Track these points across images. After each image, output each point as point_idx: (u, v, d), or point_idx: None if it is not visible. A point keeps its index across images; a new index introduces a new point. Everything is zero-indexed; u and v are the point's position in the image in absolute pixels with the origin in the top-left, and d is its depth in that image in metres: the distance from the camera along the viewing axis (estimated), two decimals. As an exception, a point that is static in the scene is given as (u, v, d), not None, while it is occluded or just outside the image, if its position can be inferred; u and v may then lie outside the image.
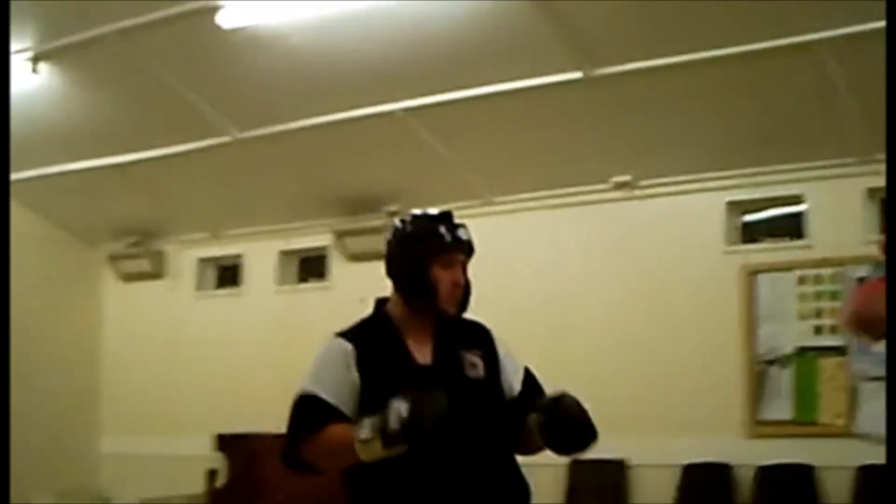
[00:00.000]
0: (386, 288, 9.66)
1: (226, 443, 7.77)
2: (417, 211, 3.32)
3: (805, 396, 7.59)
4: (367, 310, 3.39)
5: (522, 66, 7.26)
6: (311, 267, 10.09)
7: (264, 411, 8.48)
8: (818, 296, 7.63)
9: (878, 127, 7.17)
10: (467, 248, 3.25)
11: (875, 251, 7.29)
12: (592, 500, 8.11)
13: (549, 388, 3.37)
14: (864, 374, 7.41)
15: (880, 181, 7.53)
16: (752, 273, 7.83)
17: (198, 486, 7.91)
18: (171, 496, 8.80)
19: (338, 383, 3.06)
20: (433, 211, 3.30)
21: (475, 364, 3.20)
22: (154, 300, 10.58)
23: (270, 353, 9.47)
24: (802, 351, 7.61)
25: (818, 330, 7.60)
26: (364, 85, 7.69)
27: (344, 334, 3.21)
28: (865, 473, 7.22)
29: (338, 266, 9.67)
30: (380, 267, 9.41)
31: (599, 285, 8.40)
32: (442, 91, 7.64)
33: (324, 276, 9.86)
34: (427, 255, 3.16)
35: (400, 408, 2.74)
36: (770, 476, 7.51)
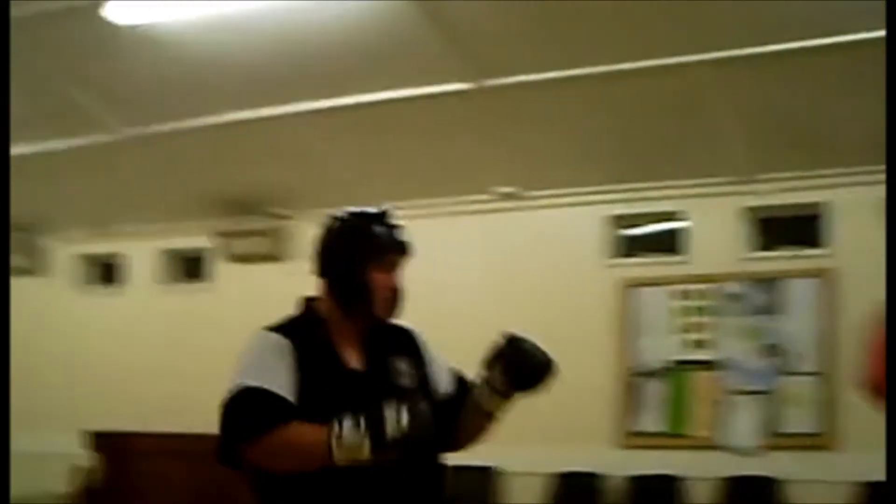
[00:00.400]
0: (266, 291, 9.59)
1: (100, 441, 7.66)
2: (354, 208, 3.13)
3: (677, 409, 7.76)
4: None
5: (412, 73, 7.30)
6: (193, 267, 10.01)
7: (141, 410, 8.47)
8: (692, 311, 7.82)
9: (757, 147, 7.43)
10: (406, 250, 3.12)
11: (747, 268, 7.55)
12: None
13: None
14: (734, 388, 7.62)
15: (756, 200, 7.79)
16: (630, 286, 8.00)
17: (65, 484, 7.80)
18: (37, 495, 8.64)
19: (283, 378, 2.81)
20: (371, 209, 3.12)
21: (404, 372, 3.05)
22: (30, 296, 10.37)
23: (150, 353, 9.37)
24: (675, 364, 7.78)
25: (690, 344, 7.78)
26: (251, 87, 7.65)
27: (277, 329, 2.98)
28: (731, 483, 7.43)
29: (220, 267, 9.60)
30: (262, 270, 9.33)
31: (479, 294, 8.48)
32: (329, 96, 7.65)
33: (206, 278, 9.78)
34: (365, 258, 2.98)
35: (397, 415, 2.64)
36: (640, 486, 7.66)
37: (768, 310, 7.61)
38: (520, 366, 3.04)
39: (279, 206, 9.03)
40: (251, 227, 9.11)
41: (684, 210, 8.00)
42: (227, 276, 9.51)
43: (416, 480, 2.89)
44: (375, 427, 2.64)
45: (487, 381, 3.03)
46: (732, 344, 7.68)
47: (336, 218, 3.10)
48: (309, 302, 3.09)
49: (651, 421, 7.81)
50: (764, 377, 7.56)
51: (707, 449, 7.58)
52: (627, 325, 7.95)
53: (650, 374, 7.86)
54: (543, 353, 3.04)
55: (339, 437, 2.64)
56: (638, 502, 7.66)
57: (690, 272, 7.83)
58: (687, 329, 7.82)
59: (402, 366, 3.06)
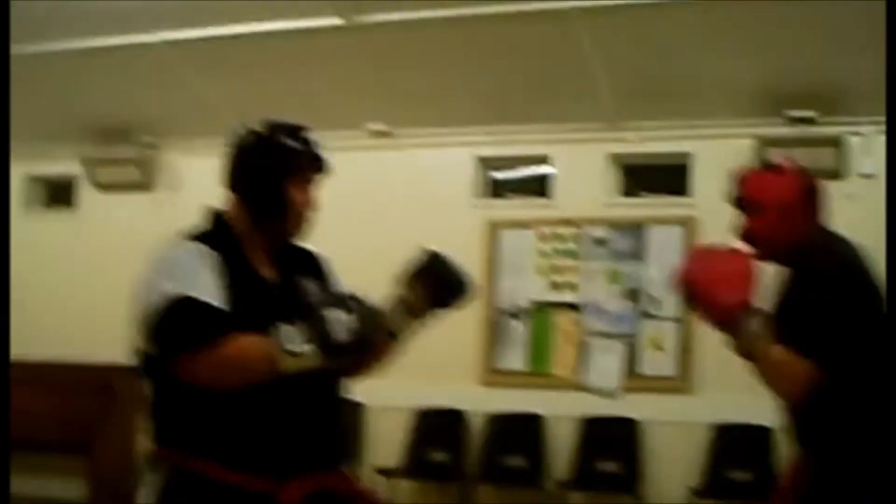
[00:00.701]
0: (134, 221, 9.44)
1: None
2: (271, 120, 2.99)
3: (539, 349, 7.89)
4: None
5: (284, 7, 7.24)
6: (59, 195, 9.81)
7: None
8: (558, 253, 7.94)
9: (625, 96, 7.55)
10: (322, 167, 3.00)
11: (613, 214, 7.69)
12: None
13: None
14: (595, 330, 7.78)
15: (623, 148, 7.92)
16: (496, 227, 8.08)
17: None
18: None
19: (214, 287, 2.67)
20: (288, 122, 2.99)
21: (313, 292, 2.96)
22: None
23: (13, 282, 9.18)
24: (539, 305, 7.91)
25: (555, 286, 7.92)
26: (125, 13, 7.52)
27: (193, 238, 2.82)
28: (591, 423, 7.61)
29: (87, 196, 9.44)
30: (131, 199, 9.19)
31: (347, 231, 8.48)
32: (203, 25, 7.55)
33: (72, 206, 9.60)
34: (283, 173, 2.86)
35: (344, 319, 2.62)
36: (501, 423, 7.80)
37: (631, 255, 7.77)
38: (444, 281, 3.09)
39: (148, 136, 8.91)
40: (120, 155, 8.98)
41: (552, 154, 8.09)
42: (95, 204, 9.35)
43: (315, 407, 2.85)
44: (322, 332, 2.60)
45: (402, 300, 2.98)
46: (596, 287, 7.83)
47: (251, 131, 2.94)
48: (217, 215, 2.92)
49: (514, 360, 7.94)
50: (625, 320, 7.73)
51: (568, 389, 7.74)
52: (493, 266, 8.04)
53: (515, 314, 7.97)
54: (462, 270, 3.11)
55: (281, 347, 2.58)
56: (499, 439, 7.80)
57: (557, 216, 7.95)
58: (552, 271, 7.95)
59: (311, 286, 2.99)
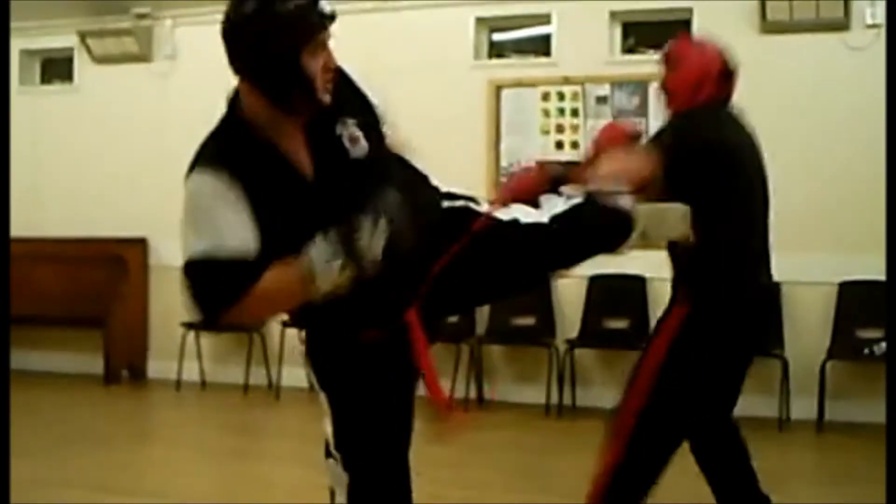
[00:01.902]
0: (132, 93, 9.42)
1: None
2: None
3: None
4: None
5: None
6: (56, 69, 9.75)
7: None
8: (560, 112, 7.92)
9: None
10: (333, 18, 2.64)
11: (614, 71, 7.62)
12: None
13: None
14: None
15: (624, 5, 7.84)
16: (499, 88, 8.05)
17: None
18: None
19: (236, 226, 2.50)
20: None
21: (355, 137, 2.72)
22: None
23: (12, 157, 9.20)
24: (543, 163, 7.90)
25: (559, 144, 7.92)
26: None
27: (208, 162, 2.56)
28: (594, 281, 7.68)
29: (84, 69, 9.38)
30: (128, 71, 9.16)
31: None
32: None
33: (70, 79, 9.54)
34: (295, 44, 2.52)
35: (372, 227, 2.49)
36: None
37: (634, 112, 7.75)
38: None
39: (144, 6, 8.82)
40: (114, 26, 8.89)
41: (553, 12, 8.01)
42: (92, 77, 9.30)
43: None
44: (350, 251, 2.49)
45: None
46: (599, 145, 7.82)
47: (242, 3, 2.54)
48: (233, 108, 2.64)
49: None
50: (629, 178, 7.74)
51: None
52: (496, 126, 8.03)
53: (518, 173, 7.99)
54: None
55: (313, 272, 2.48)
56: (507, 300, 7.89)
57: (559, 74, 7.90)
58: (555, 130, 7.94)
59: (351, 131, 2.73)
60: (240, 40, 2.53)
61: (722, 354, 3.70)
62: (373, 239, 2.49)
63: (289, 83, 2.54)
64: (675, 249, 3.81)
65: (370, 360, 2.81)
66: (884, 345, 6.81)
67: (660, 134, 3.79)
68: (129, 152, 9.11)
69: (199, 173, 2.54)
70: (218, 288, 2.50)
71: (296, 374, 8.32)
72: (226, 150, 2.57)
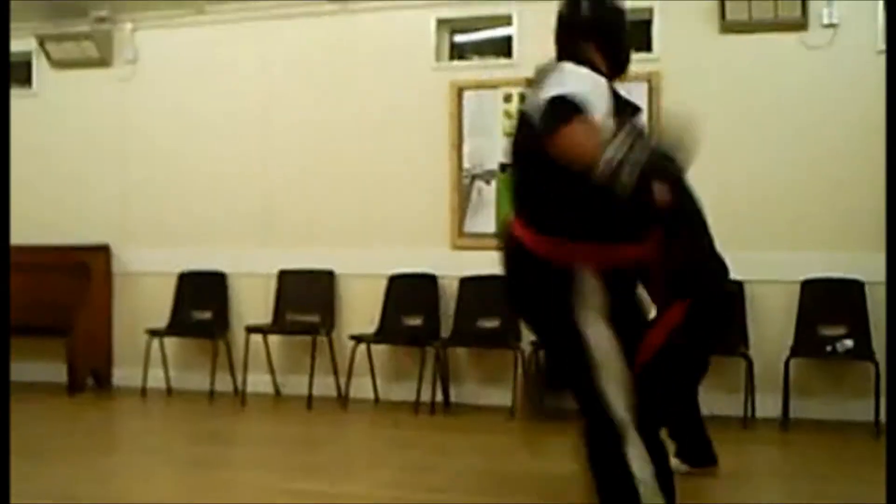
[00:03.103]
0: (92, 98, 9.26)
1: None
2: None
3: (507, 210, 7.90)
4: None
5: None
6: (13, 73, 9.63)
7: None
8: (522, 114, 7.92)
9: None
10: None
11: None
12: (303, 303, 8.33)
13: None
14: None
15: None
16: (461, 90, 8.04)
17: None
18: None
19: (596, 95, 3.39)
20: None
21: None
22: None
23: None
24: (505, 166, 7.90)
25: (521, 147, 7.91)
26: None
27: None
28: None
29: (42, 73, 9.31)
30: (88, 75, 9.00)
31: (309, 99, 8.45)
32: None
33: (28, 84, 9.45)
34: (626, 30, 3.81)
35: (661, 144, 3.18)
36: (473, 286, 7.86)
37: (596, 112, 7.75)
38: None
39: (101, 10, 8.76)
40: (73, 30, 8.83)
41: (513, 13, 8.01)
42: (51, 82, 9.24)
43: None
44: (630, 152, 3.14)
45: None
46: (561, 146, 7.83)
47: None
48: (585, 60, 3.63)
49: (483, 222, 7.97)
50: (592, 178, 7.76)
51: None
52: (459, 128, 8.02)
53: (482, 176, 7.99)
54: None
55: (607, 143, 3.18)
56: (472, 302, 7.88)
57: (520, 75, 7.88)
58: (517, 132, 7.94)
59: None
60: (595, 15, 3.76)
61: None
62: (647, 161, 3.14)
63: (625, 54, 3.78)
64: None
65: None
66: (847, 342, 6.87)
67: None
68: (90, 158, 9.05)
69: (581, 66, 3.54)
70: (568, 108, 3.28)
71: (261, 381, 8.33)
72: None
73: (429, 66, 8.17)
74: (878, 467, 4.50)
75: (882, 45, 7.08)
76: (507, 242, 3.69)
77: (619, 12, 3.81)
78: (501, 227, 3.79)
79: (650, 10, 7.65)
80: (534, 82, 3.59)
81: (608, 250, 3.50)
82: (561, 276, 3.47)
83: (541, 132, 3.35)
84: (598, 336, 3.44)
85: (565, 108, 3.29)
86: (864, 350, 6.84)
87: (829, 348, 6.87)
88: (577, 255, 3.47)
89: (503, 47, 8.16)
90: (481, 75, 8.08)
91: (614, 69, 3.72)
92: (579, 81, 3.41)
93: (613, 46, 3.74)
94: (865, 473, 5.50)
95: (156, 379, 8.53)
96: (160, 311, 8.62)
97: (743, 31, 7.37)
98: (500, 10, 8.05)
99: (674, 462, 5.50)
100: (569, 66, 3.54)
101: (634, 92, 7.55)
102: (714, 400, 6.48)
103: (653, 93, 7.57)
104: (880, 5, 7.14)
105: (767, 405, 7.01)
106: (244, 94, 8.59)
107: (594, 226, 3.48)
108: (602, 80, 3.52)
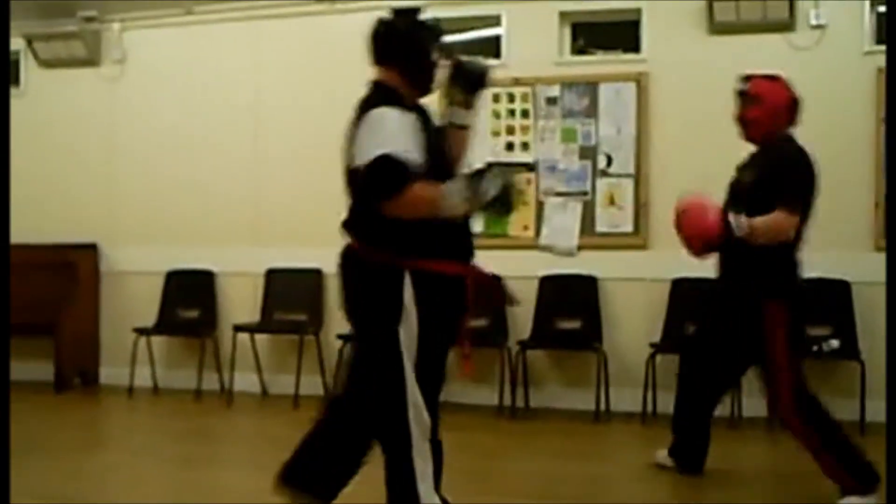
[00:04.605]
0: (81, 97, 9.27)
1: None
2: (398, 6, 3.91)
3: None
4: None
5: None
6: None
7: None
8: (511, 113, 7.94)
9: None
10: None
11: (564, 72, 7.62)
12: (291, 302, 8.32)
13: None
14: (550, 190, 7.83)
15: (574, 6, 7.86)
16: (450, 90, 8.04)
17: None
18: None
19: (411, 145, 3.51)
20: (413, 5, 3.95)
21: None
22: None
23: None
24: (494, 166, 7.91)
25: (510, 146, 7.94)
26: None
27: (394, 105, 3.61)
28: (545, 281, 7.71)
29: (30, 72, 9.30)
30: (76, 74, 9.02)
31: (297, 98, 8.46)
32: None
33: (16, 83, 9.44)
34: (432, 47, 3.81)
35: (497, 181, 3.54)
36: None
37: (585, 113, 7.79)
38: (468, 71, 3.87)
39: (89, 9, 8.76)
40: (60, 30, 8.82)
41: (502, 13, 8.03)
42: (39, 81, 9.24)
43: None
44: (477, 191, 3.50)
45: (451, 100, 3.85)
46: (550, 147, 7.86)
47: (400, 15, 3.87)
48: (382, 85, 3.78)
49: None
50: (580, 179, 7.78)
51: (526, 249, 7.81)
52: (447, 129, 8.03)
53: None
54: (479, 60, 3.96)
55: (449, 193, 3.49)
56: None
57: (509, 76, 7.91)
58: (506, 131, 7.96)
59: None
60: (393, 39, 3.84)
61: None
62: (489, 191, 3.51)
63: (426, 74, 3.81)
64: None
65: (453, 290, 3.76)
66: (833, 342, 6.88)
67: (755, 160, 5.14)
68: (77, 157, 9.05)
69: (388, 108, 3.57)
70: (393, 177, 3.42)
71: (248, 380, 8.33)
72: (400, 104, 3.62)
73: (417, 66, 8.16)
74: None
75: (868, 47, 7.12)
76: (343, 250, 3.82)
77: (421, 32, 3.84)
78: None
79: (638, 11, 7.69)
80: (353, 118, 3.71)
81: (429, 264, 3.64)
82: (385, 282, 3.62)
83: (373, 195, 3.50)
84: (409, 342, 3.68)
85: (395, 174, 3.43)
86: (850, 350, 6.86)
87: (815, 348, 6.88)
88: (401, 265, 3.62)
89: (492, 47, 8.16)
90: (470, 76, 8.07)
91: (419, 92, 3.81)
92: (392, 134, 3.50)
93: (414, 72, 3.79)
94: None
95: (143, 377, 8.52)
96: (147, 309, 8.62)
97: (731, 32, 7.39)
98: (489, 10, 8.07)
99: (662, 454, 5.54)
100: (376, 115, 3.58)
101: (623, 92, 7.66)
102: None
103: (641, 93, 7.60)
104: (867, 6, 7.18)
105: (754, 405, 7.03)
106: (232, 94, 8.60)
107: (418, 242, 3.62)
108: (409, 118, 3.58)
